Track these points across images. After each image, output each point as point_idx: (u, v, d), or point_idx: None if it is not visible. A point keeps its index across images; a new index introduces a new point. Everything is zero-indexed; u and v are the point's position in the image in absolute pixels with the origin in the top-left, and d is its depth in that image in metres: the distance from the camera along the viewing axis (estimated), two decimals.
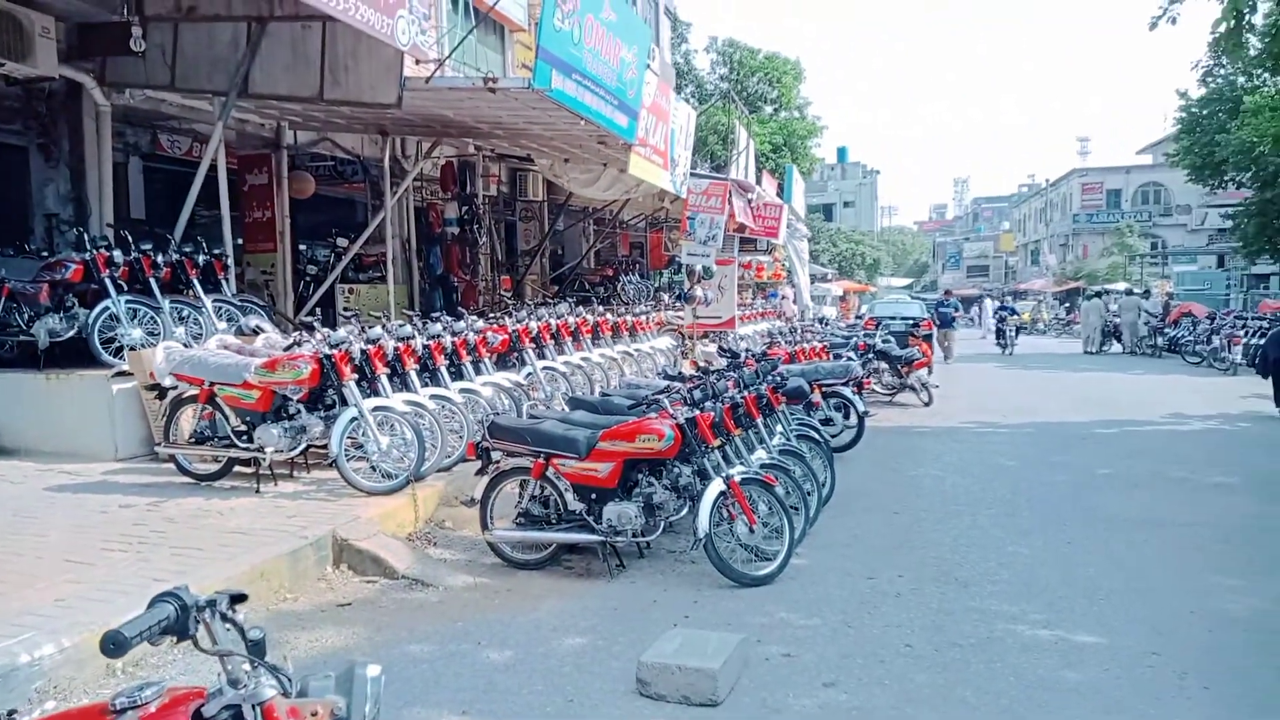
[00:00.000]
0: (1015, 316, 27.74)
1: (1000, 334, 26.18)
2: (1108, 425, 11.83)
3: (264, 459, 6.77)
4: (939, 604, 5.20)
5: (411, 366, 7.48)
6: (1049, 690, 4.07)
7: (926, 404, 13.67)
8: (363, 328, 7.52)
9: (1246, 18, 11.03)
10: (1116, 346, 26.20)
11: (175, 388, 7.06)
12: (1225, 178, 25.91)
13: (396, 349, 7.36)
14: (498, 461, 6.02)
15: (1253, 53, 15.83)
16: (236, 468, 7.02)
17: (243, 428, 6.91)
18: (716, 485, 5.57)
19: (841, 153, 78.97)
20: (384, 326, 7.67)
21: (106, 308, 7.84)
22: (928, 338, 17.73)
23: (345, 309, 12.44)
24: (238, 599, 1.80)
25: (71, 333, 7.88)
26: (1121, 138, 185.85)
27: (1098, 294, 29.93)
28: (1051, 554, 6.17)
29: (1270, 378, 13.13)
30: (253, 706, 1.70)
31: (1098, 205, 56.19)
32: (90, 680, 3.98)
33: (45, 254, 8.67)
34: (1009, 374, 19.85)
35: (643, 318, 13.12)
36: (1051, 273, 57.13)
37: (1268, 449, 10.07)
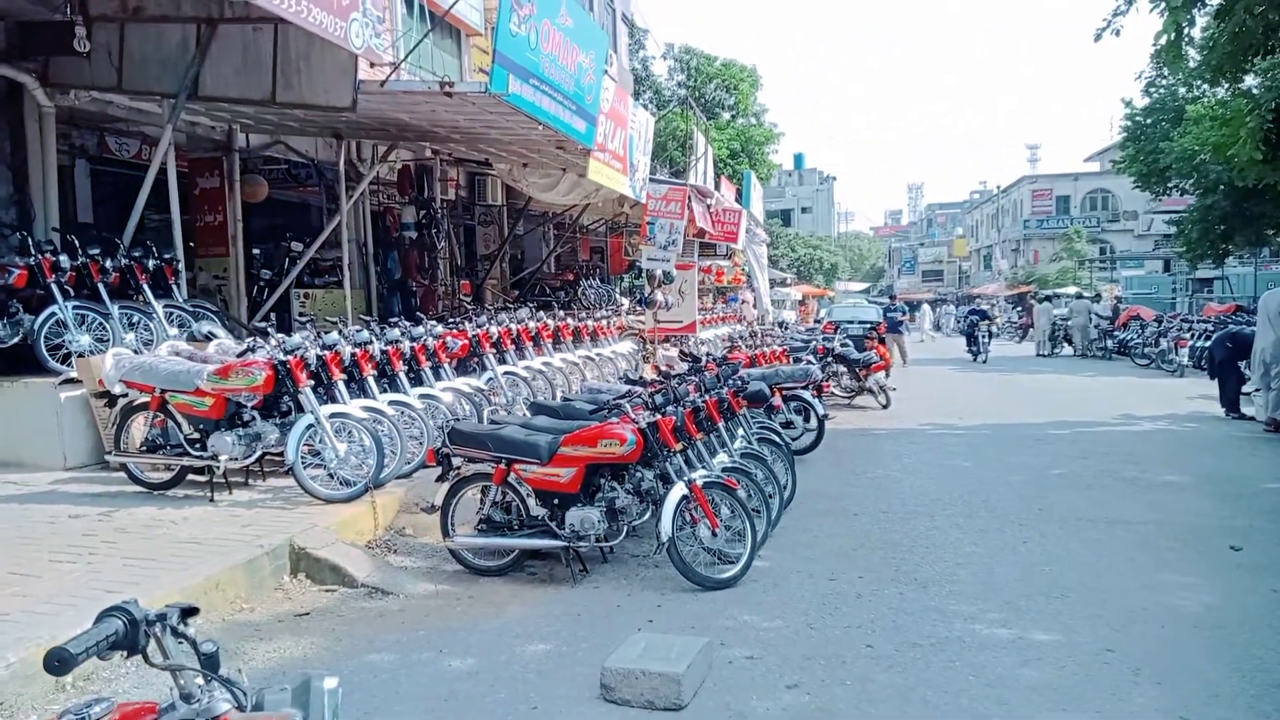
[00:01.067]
0: (987, 321, 25.16)
1: (971, 339, 24.28)
2: (1061, 426, 12.07)
3: (218, 467, 6.63)
4: (899, 604, 5.24)
5: (369, 372, 7.38)
6: (1007, 688, 4.12)
7: (884, 406, 13.82)
8: (318, 333, 7.40)
9: (1185, 31, 11.34)
10: (1068, 349, 26.75)
11: (125, 395, 6.90)
12: (1169, 185, 26.60)
13: (353, 355, 7.26)
14: (459, 468, 5.96)
15: (1192, 64, 16.29)
16: (190, 476, 6.88)
17: (196, 436, 6.77)
18: (679, 489, 5.57)
19: (798, 159, 79.72)
20: (340, 332, 7.56)
21: (53, 313, 7.62)
22: (882, 340, 17.93)
23: (301, 314, 12.24)
24: (189, 612, 1.74)
25: (16, 339, 7.65)
26: (1070, 145, 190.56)
27: (1048, 298, 30.55)
28: (1008, 553, 6.26)
29: (1216, 379, 13.50)
30: None
31: (1048, 211, 57.48)
32: (38, 696, 3.85)
33: None
34: (965, 377, 20.16)
35: (604, 322, 13.11)
36: (1004, 277, 58.29)
37: (1214, 449, 10.34)
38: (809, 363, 11.09)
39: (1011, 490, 8.23)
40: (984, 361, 23.05)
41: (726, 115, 37.94)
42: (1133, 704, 3.97)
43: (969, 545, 6.46)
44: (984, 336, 23.75)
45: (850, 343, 15.28)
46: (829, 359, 13.52)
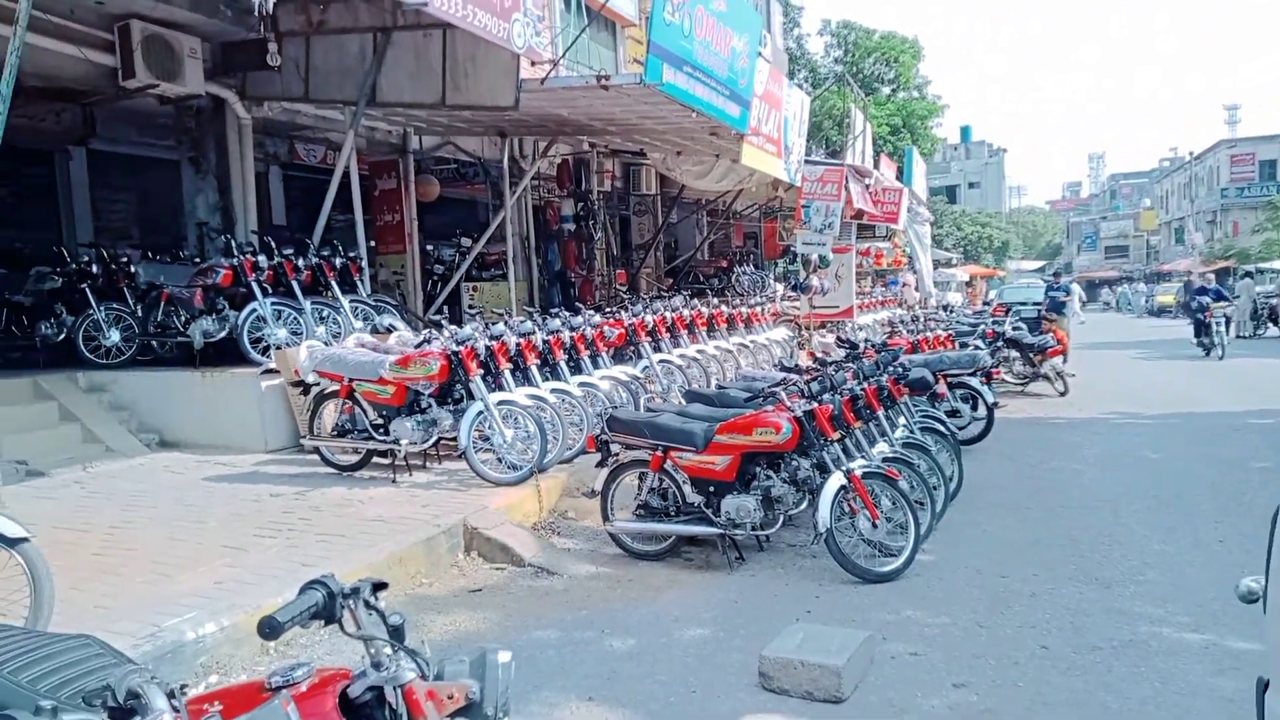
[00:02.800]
0: (1225, 304, 19.16)
1: (1203, 328, 18.63)
2: (1265, 415, 10.97)
3: (399, 451, 7.09)
4: (1077, 604, 4.96)
5: (532, 361, 7.67)
6: (1198, 697, 3.83)
7: (1062, 394, 13.03)
8: (486, 324, 7.76)
9: None
10: (1275, 330, 24.21)
11: (318, 384, 7.47)
12: None
13: (518, 344, 7.57)
14: (617, 454, 6.11)
15: None
16: (374, 459, 7.39)
17: (380, 421, 7.25)
18: (836, 479, 5.48)
19: (965, 132, 76.07)
20: (506, 323, 7.90)
21: (254, 309, 8.36)
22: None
23: (470, 306, 12.88)
24: (379, 586, 1.89)
25: (223, 333, 8.45)
26: (1275, 105, 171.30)
27: (1248, 274, 27.72)
28: (1201, 553, 5.78)
29: None
30: (394, 688, 1.80)
31: (1249, 178, 51.90)
32: (247, 658, 4.28)
33: (197, 260, 9.35)
34: (1151, 362, 18.65)
35: (758, 309, 13.02)
36: (1198, 252, 53.21)
37: None
38: (976, 348, 10.62)
39: (1205, 484, 7.57)
40: (1220, 358, 17.71)
41: (886, 90, 36.66)
42: None
43: (1157, 543, 6.01)
44: (1220, 325, 18.07)
45: (1023, 325, 14.48)
46: (999, 343, 12.87)
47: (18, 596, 3.95)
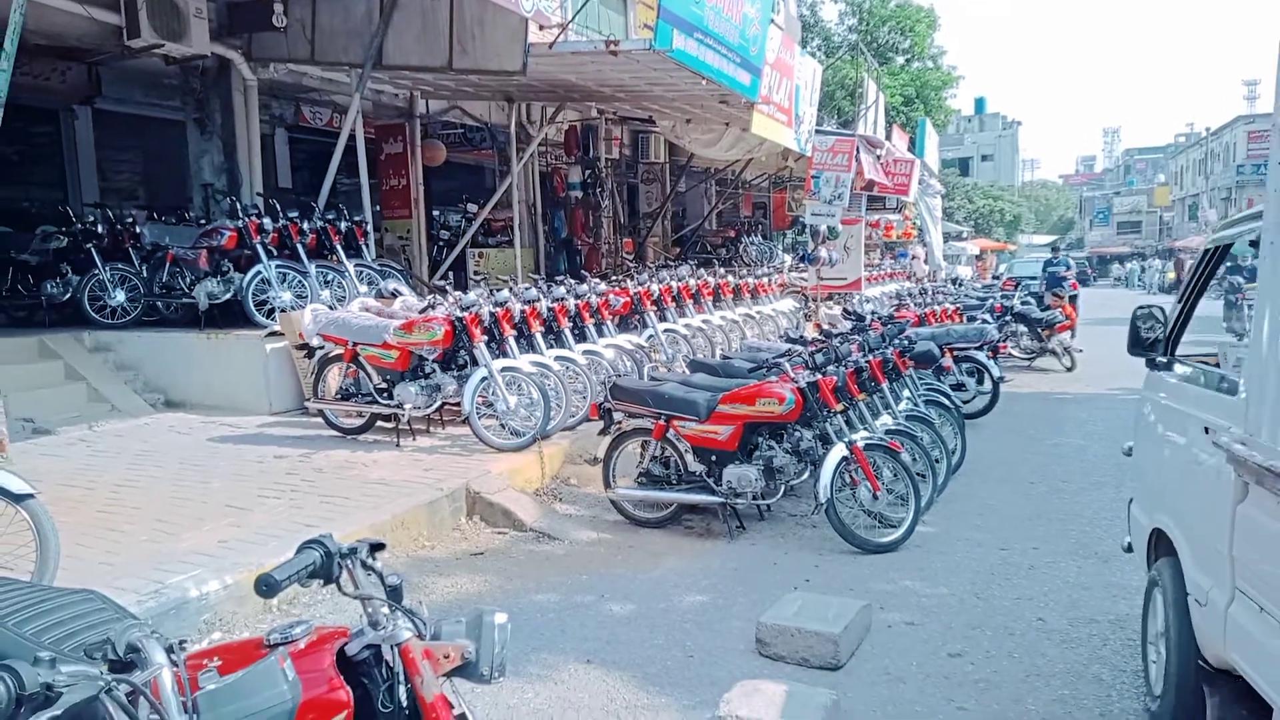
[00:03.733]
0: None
1: (1234, 305, 17.03)
2: None
3: (403, 415, 7.13)
4: (1076, 578, 5.00)
5: (537, 328, 7.67)
6: None
7: (1069, 369, 13.02)
8: (491, 291, 7.75)
9: None
10: None
11: (322, 347, 7.50)
12: None
13: (523, 311, 7.56)
14: (620, 422, 6.13)
15: None
16: (378, 423, 7.44)
17: (384, 385, 7.27)
18: (839, 450, 5.50)
19: (979, 103, 75.20)
20: (511, 289, 7.89)
21: (259, 272, 8.37)
22: (1073, 299, 16.67)
23: (475, 272, 12.86)
24: (377, 547, 1.91)
25: (228, 295, 8.47)
26: None
27: None
28: None
29: None
30: (391, 647, 1.83)
31: (1266, 155, 51.11)
32: (250, 615, 4.34)
33: (203, 222, 9.33)
34: None
35: (765, 280, 12.97)
36: (1211, 229, 52.73)
37: None
38: (984, 322, 10.59)
39: None
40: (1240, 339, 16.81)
41: (900, 60, 36.19)
42: None
43: None
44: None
45: (1031, 300, 14.43)
46: (1007, 318, 12.83)
47: (24, 551, 3.99)
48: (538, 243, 14.59)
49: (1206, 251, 3.63)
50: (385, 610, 1.86)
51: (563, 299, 8.32)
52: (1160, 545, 3.41)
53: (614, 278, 10.71)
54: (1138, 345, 3.74)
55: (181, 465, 6.55)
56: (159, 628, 3.93)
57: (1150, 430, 3.75)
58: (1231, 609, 2.66)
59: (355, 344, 7.26)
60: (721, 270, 12.44)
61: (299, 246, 8.63)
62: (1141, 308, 3.76)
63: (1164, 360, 3.67)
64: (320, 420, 7.64)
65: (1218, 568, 2.76)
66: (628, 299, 9.43)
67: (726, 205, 22.15)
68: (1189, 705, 2.99)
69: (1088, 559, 5.30)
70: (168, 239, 8.95)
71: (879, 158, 17.24)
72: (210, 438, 7.36)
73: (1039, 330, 13.35)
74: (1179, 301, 3.73)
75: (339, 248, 8.94)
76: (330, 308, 7.99)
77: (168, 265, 8.75)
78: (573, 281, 9.05)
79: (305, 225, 8.73)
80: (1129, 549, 3.92)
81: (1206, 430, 2.88)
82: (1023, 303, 13.73)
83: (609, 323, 8.88)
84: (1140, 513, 3.72)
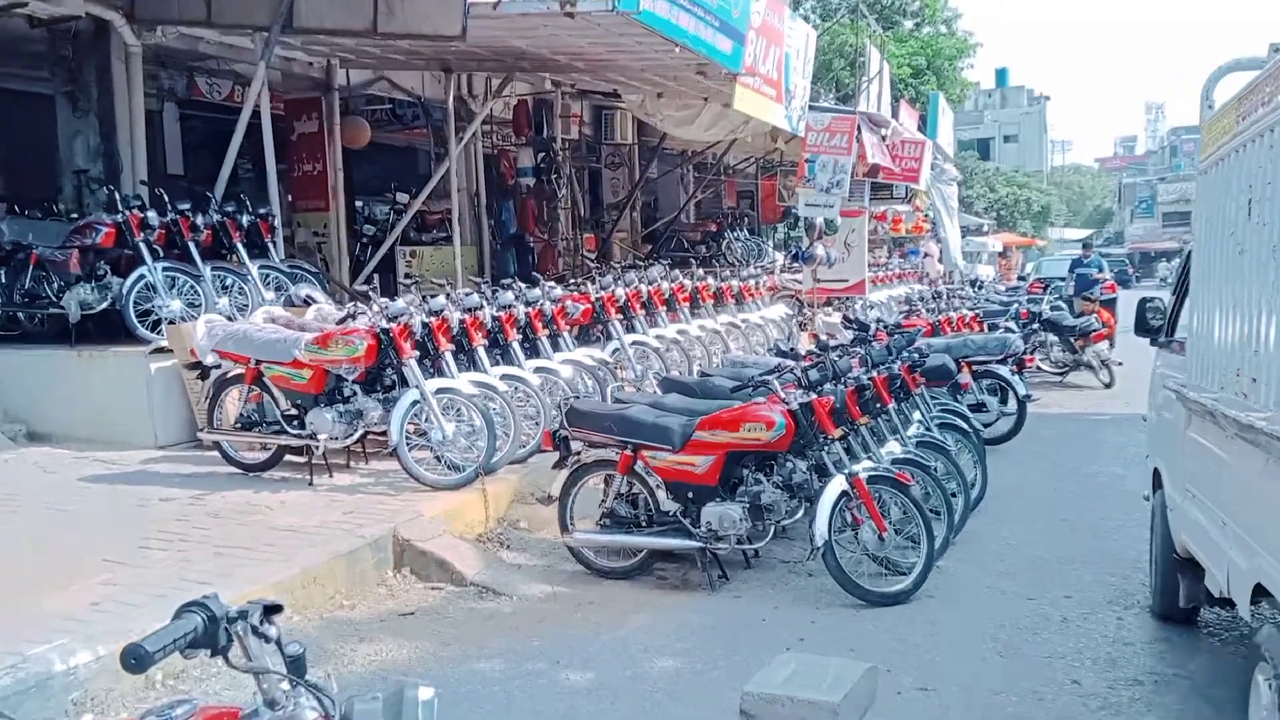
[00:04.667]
0: None
1: None
2: None
3: (317, 447, 7.04)
4: (1116, 633, 5.06)
5: (480, 342, 7.65)
6: None
7: (1107, 385, 13.23)
8: (425, 297, 7.72)
9: None
10: None
11: (219, 366, 7.40)
12: None
13: (462, 322, 7.53)
14: (578, 453, 6.12)
15: None
16: (287, 456, 7.35)
17: (294, 412, 7.20)
18: (837, 484, 5.53)
19: (1001, 75, 76.47)
20: (449, 296, 7.86)
21: (142, 276, 8.25)
22: (1109, 303, 16.96)
23: (406, 275, 12.79)
24: (273, 609, 1.88)
25: (105, 304, 8.33)
26: None
27: None
28: None
29: None
30: None
31: None
32: (128, 692, 4.25)
33: (75, 216, 9.19)
34: None
35: (752, 282, 13.06)
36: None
37: None
38: (1008, 330, 10.73)
39: None
40: None
41: (909, 24, 36.73)
42: None
43: None
44: None
45: (1063, 305, 14.65)
46: (1034, 325, 13.02)
47: None
48: (481, 240, 14.57)
49: (1188, 253, 5.29)
50: (284, 686, 1.82)
51: (511, 306, 8.30)
52: (1155, 480, 5.23)
53: (573, 281, 10.72)
54: (1143, 329, 5.68)
55: (47, 511, 6.43)
56: (15, 711, 3.86)
57: (1154, 394, 5.55)
58: (1183, 504, 4.48)
59: (259, 362, 7.18)
60: (700, 271, 12.49)
61: (191, 245, 8.52)
62: (1147, 299, 5.74)
63: (1164, 340, 5.53)
64: (216, 454, 7.53)
65: (1179, 479, 4.61)
66: (589, 306, 9.44)
67: (706, 195, 22.27)
68: (1169, 586, 4.87)
69: (1129, 609, 5.36)
70: (31, 237, 8.79)
71: (884, 138, 17.44)
72: (82, 477, 7.23)
73: (1072, 340, 13.56)
74: (1173, 294, 5.67)
75: (240, 246, 8.85)
76: (229, 318, 7.91)
77: (31, 269, 8.60)
78: (523, 285, 9.03)
79: (199, 220, 8.61)
80: (1147, 498, 5.50)
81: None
82: (1053, 308, 13.94)
83: (566, 334, 8.88)
84: (1149, 459, 5.54)
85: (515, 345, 8.10)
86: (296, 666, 1.86)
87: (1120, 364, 13.62)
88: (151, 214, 8.39)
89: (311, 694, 1.83)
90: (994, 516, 7.07)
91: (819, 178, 14.44)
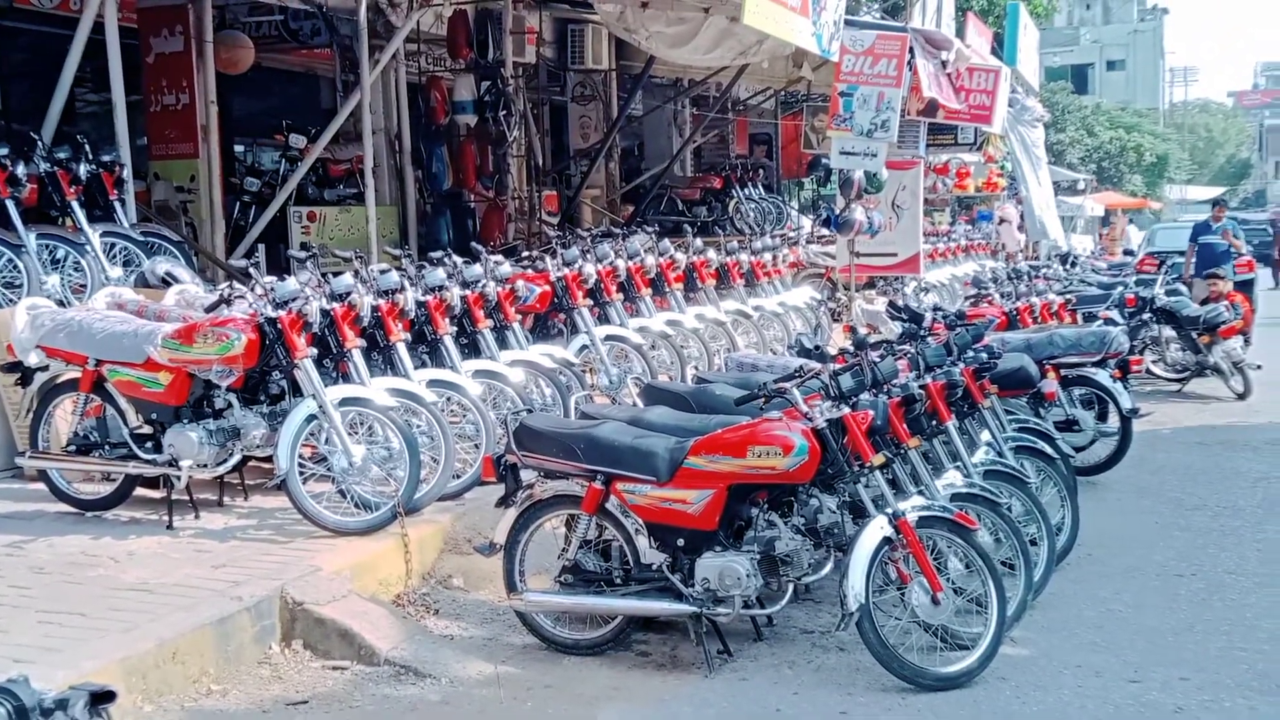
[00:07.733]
0: None
1: None
2: None
3: (179, 478, 7.01)
4: None
5: (399, 337, 7.63)
6: None
7: (1241, 395, 13.28)
8: (326, 276, 7.70)
9: None
10: None
11: (45, 368, 7.38)
12: None
13: (377, 309, 7.52)
14: (531, 486, 6.11)
15: None
16: (138, 490, 7.34)
17: (147, 430, 7.18)
18: (878, 527, 5.54)
19: None
20: (359, 274, 7.84)
21: None
22: (1245, 285, 16.96)
23: (303, 246, 12.75)
24: (102, 697, 1.88)
25: None
26: None
27: None
28: None
29: None
30: None
31: None
32: None
33: None
34: None
35: (768, 257, 13.09)
36: None
37: None
38: (1109, 322, 10.77)
39: None
40: None
41: None
42: None
43: None
44: None
45: (1182, 289, 14.70)
46: (1145, 316, 13.06)
47: None
48: (404, 198, 14.57)
49: None
50: None
51: (443, 288, 8.29)
52: None
53: (526, 254, 10.70)
54: None
55: None
56: None
57: None
58: None
59: (100, 363, 7.16)
60: (699, 242, 12.51)
61: (9, 204, 8.51)
62: None
63: None
64: (42, 487, 7.51)
65: None
66: (547, 288, 9.43)
67: (707, 140, 22.31)
68: None
69: (1267, 695, 5.40)
70: None
71: (945, 65, 17.51)
72: None
73: (1194, 335, 13.59)
74: None
75: (76, 206, 8.84)
76: (60, 303, 7.89)
77: None
78: (460, 260, 9.03)
79: (20, 170, 8.61)
80: None
81: None
82: (1169, 292, 13.96)
83: (517, 326, 8.88)
84: None
85: (448, 341, 8.09)
86: None
87: (1259, 367, 13.67)
88: None
89: None
90: (1087, 571, 7.11)
91: (858, 117, 14.46)
